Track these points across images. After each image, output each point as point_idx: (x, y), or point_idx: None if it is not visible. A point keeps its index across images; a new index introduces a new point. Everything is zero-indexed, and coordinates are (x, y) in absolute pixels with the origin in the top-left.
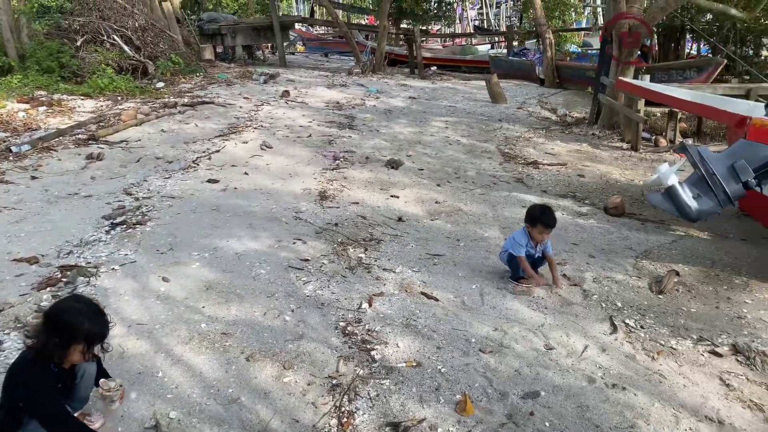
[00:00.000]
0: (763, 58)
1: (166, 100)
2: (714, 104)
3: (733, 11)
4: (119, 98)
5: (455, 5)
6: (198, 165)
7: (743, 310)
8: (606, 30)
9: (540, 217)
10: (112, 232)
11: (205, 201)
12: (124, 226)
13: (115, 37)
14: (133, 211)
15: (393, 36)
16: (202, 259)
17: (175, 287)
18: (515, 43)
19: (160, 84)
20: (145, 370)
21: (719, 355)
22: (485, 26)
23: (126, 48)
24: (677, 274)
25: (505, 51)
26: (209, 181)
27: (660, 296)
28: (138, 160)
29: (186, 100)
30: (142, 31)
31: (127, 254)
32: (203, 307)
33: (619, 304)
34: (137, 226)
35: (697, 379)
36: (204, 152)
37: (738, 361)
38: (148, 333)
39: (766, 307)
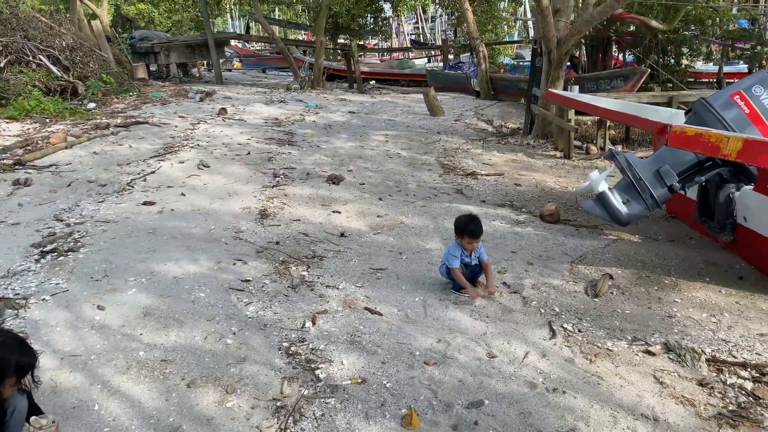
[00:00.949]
0: (683, 66)
1: (98, 121)
2: (637, 113)
3: (654, 23)
4: (47, 120)
5: (391, 20)
6: (133, 187)
7: (673, 309)
8: (536, 42)
9: (465, 228)
10: (42, 260)
11: (141, 224)
12: (55, 253)
13: (42, 57)
14: (65, 237)
15: (331, 51)
16: (139, 285)
17: (111, 315)
18: (451, 57)
19: (91, 105)
20: (80, 403)
21: (652, 354)
22: (421, 40)
23: (53, 68)
24: (611, 277)
25: (441, 64)
26: (145, 203)
27: (595, 299)
28: (69, 185)
29: (119, 120)
30: (71, 50)
31: (58, 283)
32: (141, 334)
33: (557, 309)
34: (69, 253)
35: (633, 378)
36: (139, 174)
37: (670, 358)
38: (82, 365)
39: (693, 305)
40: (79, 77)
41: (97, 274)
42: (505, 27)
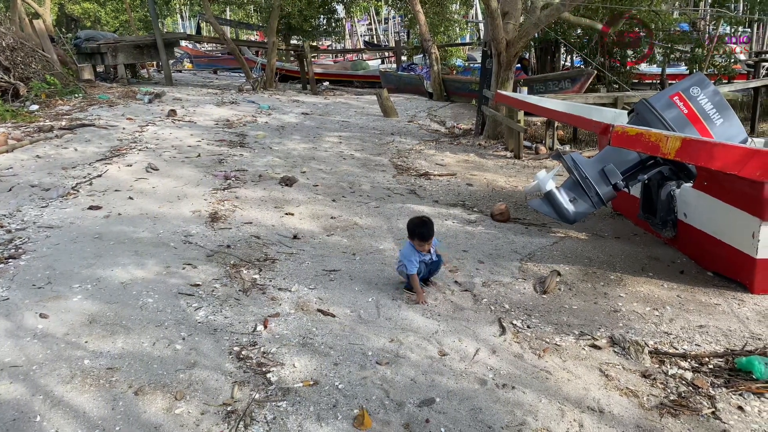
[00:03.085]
0: (628, 68)
1: (42, 123)
2: (583, 113)
3: (599, 26)
4: None
5: (344, 21)
6: (78, 191)
7: (618, 303)
8: (486, 45)
9: (415, 231)
10: None
11: (86, 229)
12: None
13: None
14: (5, 244)
15: (283, 52)
16: (85, 291)
17: (55, 323)
18: (404, 58)
19: (34, 107)
20: (21, 416)
21: (598, 348)
22: (375, 42)
23: None
24: (559, 274)
25: (394, 66)
26: (91, 207)
27: (544, 296)
28: (10, 189)
29: (64, 123)
30: (11, 50)
31: None
32: (86, 342)
33: (507, 306)
34: (10, 260)
35: (580, 372)
36: (84, 178)
37: (615, 352)
38: (23, 375)
39: (637, 299)
40: (20, 78)
41: (39, 282)
42: (457, 29)
